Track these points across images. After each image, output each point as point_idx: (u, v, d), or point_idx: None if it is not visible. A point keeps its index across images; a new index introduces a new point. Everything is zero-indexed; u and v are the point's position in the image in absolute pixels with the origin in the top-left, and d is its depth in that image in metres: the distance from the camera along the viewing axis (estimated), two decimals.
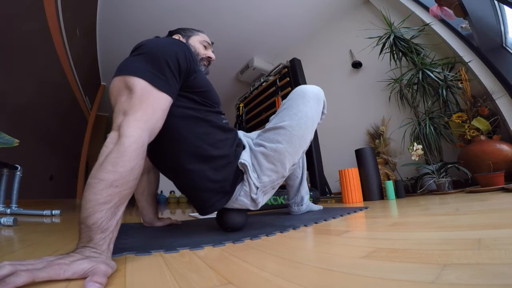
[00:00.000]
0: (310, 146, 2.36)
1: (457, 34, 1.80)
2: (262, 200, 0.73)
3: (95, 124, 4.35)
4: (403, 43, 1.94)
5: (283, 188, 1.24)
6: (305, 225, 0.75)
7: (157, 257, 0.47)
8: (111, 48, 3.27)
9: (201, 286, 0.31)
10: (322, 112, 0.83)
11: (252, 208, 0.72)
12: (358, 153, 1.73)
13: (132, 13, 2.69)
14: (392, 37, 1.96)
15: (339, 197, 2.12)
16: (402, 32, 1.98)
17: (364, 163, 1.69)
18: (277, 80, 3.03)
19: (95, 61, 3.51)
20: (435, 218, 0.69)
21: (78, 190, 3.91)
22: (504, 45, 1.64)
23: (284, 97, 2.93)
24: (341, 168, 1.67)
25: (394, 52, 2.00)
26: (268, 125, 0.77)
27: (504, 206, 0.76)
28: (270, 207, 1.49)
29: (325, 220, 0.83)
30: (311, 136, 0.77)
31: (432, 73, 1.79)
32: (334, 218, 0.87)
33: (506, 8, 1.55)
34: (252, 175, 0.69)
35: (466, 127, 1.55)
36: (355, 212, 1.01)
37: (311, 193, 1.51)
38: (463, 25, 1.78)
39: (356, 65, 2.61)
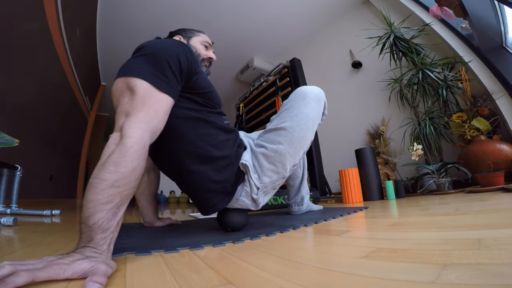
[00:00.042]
0: (310, 146, 2.35)
1: (457, 34, 1.80)
2: (263, 200, 0.73)
3: (95, 124, 4.36)
4: (403, 43, 1.94)
5: (283, 188, 1.24)
6: (305, 225, 0.75)
7: (157, 257, 0.47)
8: (111, 48, 3.27)
9: (201, 286, 0.31)
10: (323, 113, 0.83)
11: (253, 208, 0.73)
12: (358, 153, 1.73)
13: (132, 13, 2.69)
14: (392, 37, 1.96)
15: (339, 197, 2.12)
16: (402, 32, 1.98)
17: (364, 163, 1.69)
18: (277, 80, 3.03)
19: (95, 61, 3.51)
20: (435, 218, 0.69)
21: (78, 190, 3.91)
22: (504, 45, 1.64)
23: (284, 97, 2.93)
24: (341, 168, 1.67)
25: (394, 52, 2.00)
26: (269, 126, 0.78)
27: (504, 206, 0.76)
28: (270, 207, 1.49)
29: (325, 220, 0.83)
30: (312, 137, 0.77)
31: (432, 73, 1.79)
32: (334, 218, 0.87)
33: (506, 8, 1.55)
34: (253, 175, 0.69)
35: (466, 127, 1.55)
36: (355, 212, 1.01)
37: (311, 193, 1.51)
38: (463, 25, 1.78)
39: (356, 65, 2.61)
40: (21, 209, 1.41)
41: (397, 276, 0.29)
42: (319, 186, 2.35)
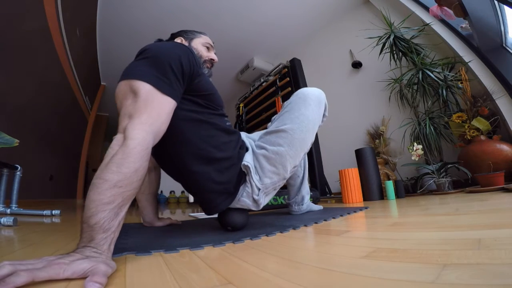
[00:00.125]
0: (311, 147, 2.35)
1: (457, 34, 1.80)
2: (264, 201, 0.74)
3: (95, 124, 4.36)
4: (403, 43, 1.94)
5: (284, 188, 1.24)
6: (305, 225, 0.75)
7: (157, 257, 0.47)
8: (111, 48, 3.27)
9: (201, 286, 0.31)
10: (323, 115, 0.84)
11: (254, 209, 0.74)
12: (358, 153, 1.73)
13: (132, 14, 2.69)
14: (392, 37, 1.96)
15: (339, 197, 2.12)
16: (402, 32, 1.98)
17: (364, 163, 1.69)
18: (277, 80, 3.03)
19: (95, 61, 3.51)
20: (435, 218, 0.69)
21: (78, 190, 3.91)
22: (504, 45, 1.64)
23: (284, 97, 2.93)
24: (341, 168, 1.67)
25: (394, 52, 2.00)
26: (270, 127, 0.79)
27: (504, 206, 0.76)
28: (270, 207, 1.49)
29: (325, 220, 0.83)
30: (312, 139, 0.78)
31: (432, 73, 1.79)
32: (334, 218, 0.87)
33: (506, 8, 1.55)
34: (254, 177, 0.70)
35: (466, 127, 1.55)
36: (355, 212, 1.01)
37: (311, 193, 1.51)
38: (463, 25, 1.78)
39: (356, 65, 2.61)
40: (21, 209, 1.41)
41: (397, 276, 0.29)
42: (319, 186, 2.35)
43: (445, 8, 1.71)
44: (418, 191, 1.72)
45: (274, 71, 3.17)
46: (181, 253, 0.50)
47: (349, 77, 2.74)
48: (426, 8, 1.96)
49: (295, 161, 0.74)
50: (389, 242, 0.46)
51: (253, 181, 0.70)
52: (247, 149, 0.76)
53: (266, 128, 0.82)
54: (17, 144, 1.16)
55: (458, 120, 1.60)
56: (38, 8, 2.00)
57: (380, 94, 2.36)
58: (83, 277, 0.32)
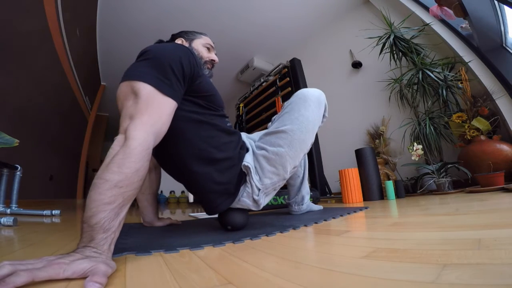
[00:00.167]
0: (311, 147, 2.35)
1: (457, 34, 1.80)
2: (264, 201, 0.75)
3: (95, 124, 4.36)
4: (403, 43, 1.94)
5: (284, 188, 1.24)
6: (305, 225, 0.75)
7: (157, 257, 0.47)
8: (111, 48, 3.27)
9: (201, 286, 0.31)
10: (323, 115, 0.84)
11: (254, 209, 0.74)
12: (358, 153, 1.73)
13: (133, 14, 2.69)
14: (392, 37, 1.96)
15: (339, 197, 2.12)
16: (402, 32, 1.98)
17: (364, 163, 1.69)
18: (277, 80, 3.03)
19: (95, 61, 3.51)
20: (435, 218, 0.69)
21: (78, 190, 3.91)
22: (504, 45, 1.64)
23: (284, 97, 2.93)
24: (341, 168, 1.67)
25: (394, 52, 2.00)
26: (270, 128, 0.79)
27: (504, 206, 0.76)
28: (270, 207, 1.49)
29: (325, 220, 0.83)
30: (312, 140, 0.79)
31: (432, 73, 1.79)
32: (334, 218, 0.87)
33: (506, 8, 1.55)
34: (255, 177, 0.70)
35: (466, 127, 1.55)
36: (355, 212, 1.01)
37: (311, 193, 1.51)
38: (463, 25, 1.78)
39: (356, 65, 2.61)
40: (21, 209, 1.41)
41: (397, 276, 0.29)
42: (319, 186, 2.35)
43: (445, 8, 1.71)
44: (418, 191, 1.72)
45: (274, 71, 3.17)
46: (181, 253, 0.50)
47: (349, 77, 2.74)
48: (426, 8, 1.96)
49: (294, 161, 0.74)
50: (389, 242, 0.46)
51: (253, 181, 0.70)
52: (247, 150, 0.77)
53: (266, 128, 0.83)
54: (17, 144, 1.16)
55: (458, 120, 1.60)
56: (38, 8, 2.01)
57: (380, 94, 2.36)
58: (83, 277, 0.32)
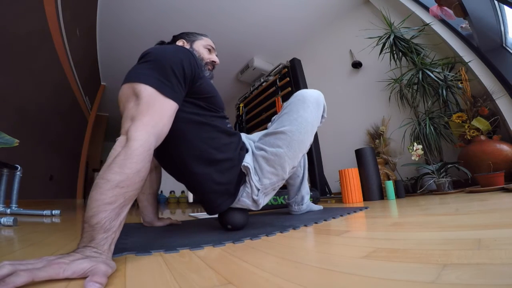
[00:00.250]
0: (310, 147, 2.36)
1: (457, 34, 1.80)
2: (263, 201, 0.75)
3: (95, 124, 4.35)
4: (403, 43, 1.94)
5: (284, 188, 1.25)
6: (305, 225, 0.75)
7: (157, 257, 0.47)
8: (112, 48, 3.27)
9: (201, 286, 0.31)
10: (322, 116, 0.85)
11: (253, 209, 0.75)
12: (358, 153, 1.73)
13: (133, 14, 2.69)
14: (392, 37, 1.96)
15: (339, 197, 2.12)
16: (402, 32, 1.98)
17: (364, 163, 1.69)
18: (277, 80, 3.03)
19: (95, 61, 3.51)
20: (435, 218, 0.69)
21: (78, 190, 3.91)
22: (504, 45, 1.64)
23: (284, 97, 2.93)
24: (341, 168, 1.67)
25: (394, 52, 2.00)
26: (269, 129, 0.80)
27: (504, 206, 0.76)
28: (270, 207, 1.49)
29: (325, 220, 0.83)
30: (311, 140, 0.79)
31: (432, 73, 1.79)
32: (334, 218, 0.87)
33: (506, 8, 1.55)
34: (254, 177, 0.71)
35: (466, 127, 1.55)
36: (355, 212, 1.01)
37: (311, 193, 1.51)
38: (463, 25, 1.78)
39: (356, 65, 2.61)
40: (21, 209, 1.41)
41: (397, 276, 0.29)
42: (319, 186, 2.35)
43: (445, 8, 1.71)
44: (418, 191, 1.72)
45: (274, 71, 3.17)
46: (181, 253, 0.50)
47: (349, 77, 2.73)
48: (426, 8, 1.96)
49: (293, 162, 0.75)
50: (389, 242, 0.46)
51: (253, 181, 0.71)
52: (247, 150, 0.77)
53: (266, 128, 0.83)
54: (17, 144, 1.16)
55: (458, 120, 1.60)
56: (38, 8, 2.01)
57: (380, 94, 2.36)
58: (83, 277, 0.32)
